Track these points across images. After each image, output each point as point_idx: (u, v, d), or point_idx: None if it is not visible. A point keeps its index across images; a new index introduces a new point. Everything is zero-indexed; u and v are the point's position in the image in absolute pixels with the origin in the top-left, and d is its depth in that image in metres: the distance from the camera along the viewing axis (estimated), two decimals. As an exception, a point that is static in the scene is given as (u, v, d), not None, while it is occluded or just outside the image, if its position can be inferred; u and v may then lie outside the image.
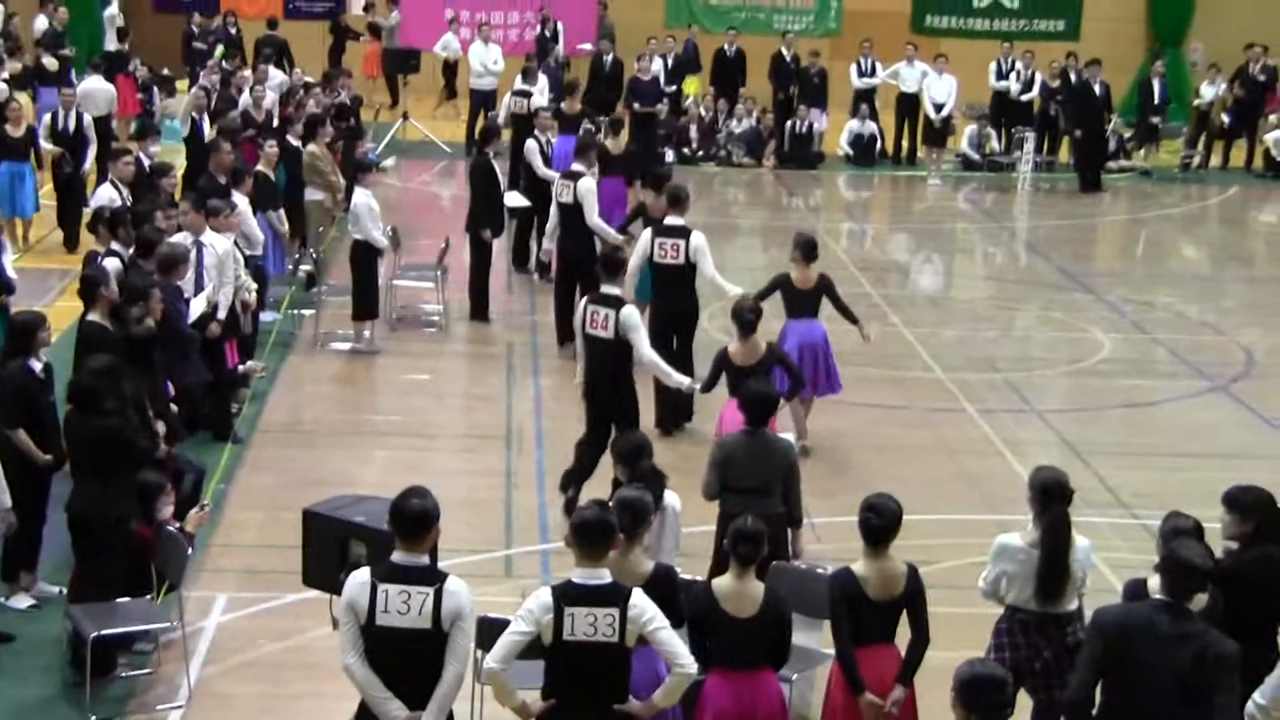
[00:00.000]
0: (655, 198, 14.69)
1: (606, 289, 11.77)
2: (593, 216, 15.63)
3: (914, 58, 27.57)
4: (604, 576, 6.99)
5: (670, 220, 13.91)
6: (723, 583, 7.57)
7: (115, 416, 9.36)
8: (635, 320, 11.59)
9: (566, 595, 6.92)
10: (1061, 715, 7.12)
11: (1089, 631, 6.91)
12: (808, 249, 13.42)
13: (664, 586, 7.47)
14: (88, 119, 19.71)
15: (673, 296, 13.68)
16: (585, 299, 12.10)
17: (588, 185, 15.70)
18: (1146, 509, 12.01)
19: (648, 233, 13.95)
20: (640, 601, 6.94)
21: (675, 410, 13.70)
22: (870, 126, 27.85)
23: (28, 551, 10.29)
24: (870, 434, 14.31)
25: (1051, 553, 7.86)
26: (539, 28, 28.80)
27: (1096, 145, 26.83)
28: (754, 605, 7.50)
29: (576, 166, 15.99)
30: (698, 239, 13.72)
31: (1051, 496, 7.90)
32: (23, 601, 10.22)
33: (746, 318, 11.73)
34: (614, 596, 6.93)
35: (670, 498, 8.72)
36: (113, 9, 27.28)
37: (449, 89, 29.98)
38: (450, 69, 29.50)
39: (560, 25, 29.00)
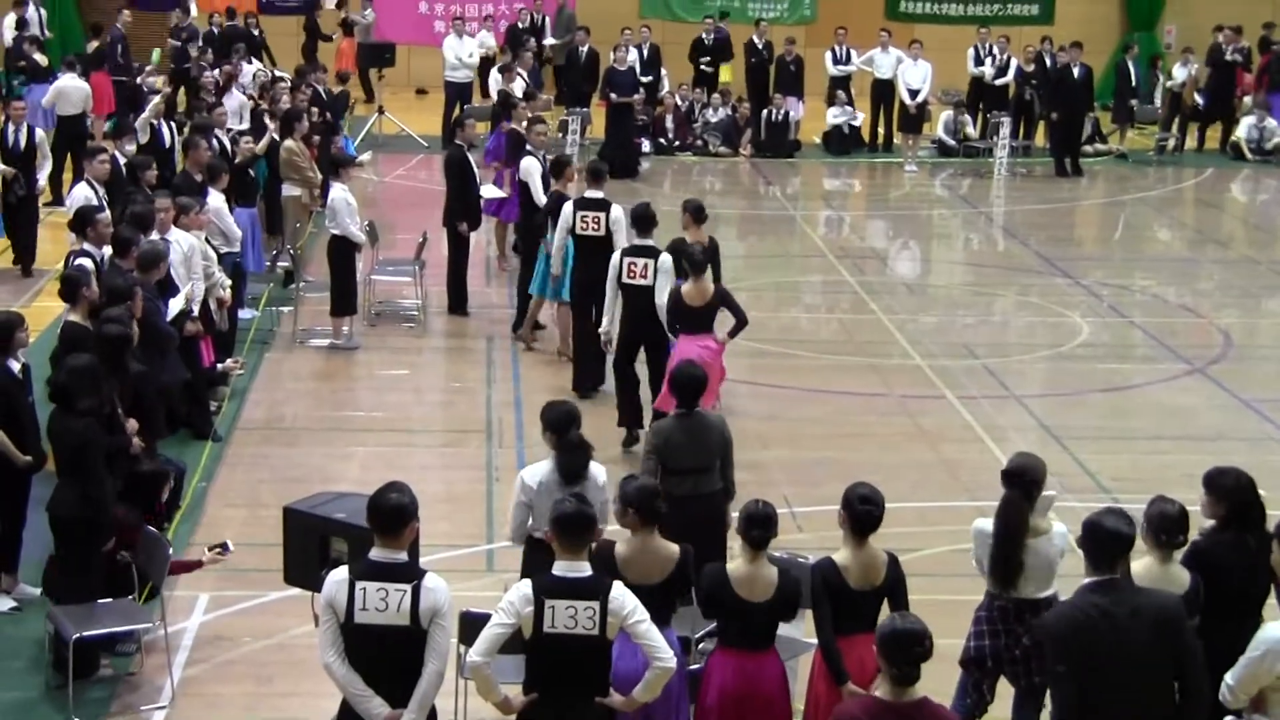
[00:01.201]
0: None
1: (641, 241, 13.21)
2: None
3: (887, 44, 27.59)
4: (584, 570, 7.00)
5: (590, 194, 14.46)
6: (736, 567, 7.61)
7: (88, 417, 9.30)
8: (667, 265, 12.94)
9: (547, 588, 6.92)
10: (1045, 703, 7.13)
11: (1046, 647, 6.84)
12: (697, 212, 14.07)
13: (689, 567, 7.64)
14: (40, 134, 18.28)
15: (594, 266, 13.93)
16: (621, 251, 13.29)
17: (618, 214, 14.51)
18: (1126, 493, 12.04)
19: (569, 206, 14.47)
20: (621, 594, 6.95)
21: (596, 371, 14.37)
22: (857, 115, 27.89)
23: (8, 553, 10.27)
24: (849, 422, 14.33)
25: (1001, 537, 7.92)
26: (528, 18, 28.70)
27: (1076, 130, 26.90)
28: (767, 590, 7.55)
29: (593, 193, 14.69)
30: (616, 212, 14.33)
31: (1010, 481, 7.95)
32: (4, 604, 10.19)
33: (698, 259, 12.49)
34: (595, 589, 6.94)
35: (596, 470, 8.71)
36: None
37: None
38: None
39: (547, 19, 28.96)
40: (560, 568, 6.99)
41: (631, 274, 13.12)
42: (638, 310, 13.10)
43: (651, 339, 13.14)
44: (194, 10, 28.21)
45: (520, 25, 28.53)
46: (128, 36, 25.66)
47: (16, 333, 10.22)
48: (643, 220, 13.43)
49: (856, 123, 28.01)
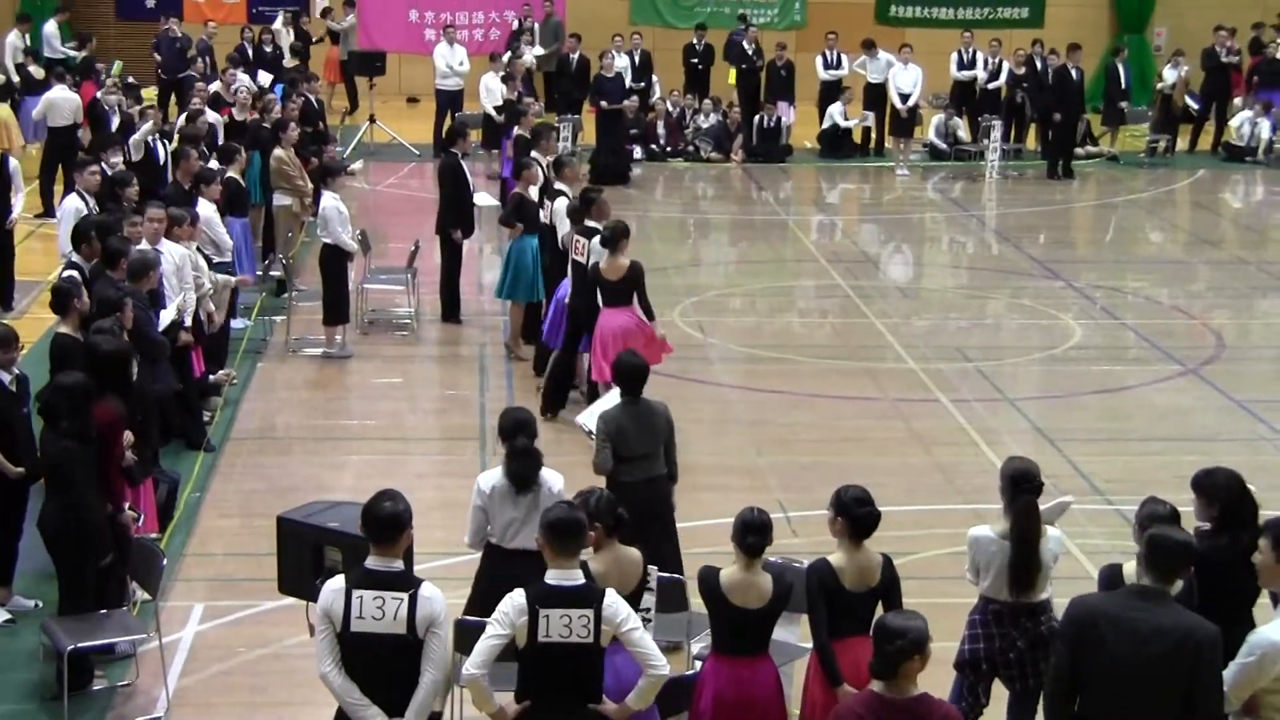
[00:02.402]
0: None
1: (589, 223, 13.93)
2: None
3: (873, 50, 27.59)
4: (577, 577, 7.00)
5: (589, 223, 14.33)
6: (730, 574, 7.60)
7: (69, 437, 9.22)
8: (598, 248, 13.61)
9: (541, 597, 6.92)
10: (1039, 707, 7.13)
11: (1061, 624, 6.91)
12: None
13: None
14: (13, 164, 17.11)
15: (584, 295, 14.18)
16: (572, 228, 14.32)
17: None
18: (1120, 495, 12.06)
19: (569, 226, 14.69)
20: (614, 602, 6.94)
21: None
22: (868, 116, 27.92)
23: (2, 565, 10.25)
24: (843, 426, 14.34)
25: (1021, 543, 7.91)
26: (517, 24, 28.70)
27: (1072, 132, 26.94)
28: (762, 598, 7.56)
29: (590, 223, 14.66)
30: (560, 204, 14.99)
31: (1020, 487, 7.95)
32: (-1, 615, 10.18)
33: (606, 236, 13.36)
34: (589, 597, 6.94)
35: (550, 478, 8.71)
36: (50, 27, 26.94)
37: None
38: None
39: (535, 25, 28.95)
40: (553, 576, 6.98)
41: (577, 251, 14.00)
42: (578, 283, 13.89)
43: (588, 311, 13.70)
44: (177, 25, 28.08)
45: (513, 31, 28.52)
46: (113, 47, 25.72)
47: (9, 347, 10.19)
48: (586, 203, 14.29)
49: (863, 124, 27.97)
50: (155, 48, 27.25)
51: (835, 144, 27.92)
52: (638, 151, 26.79)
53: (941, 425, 14.30)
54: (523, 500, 8.61)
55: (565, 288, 14.37)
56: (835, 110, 27.87)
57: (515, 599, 6.93)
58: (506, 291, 15.87)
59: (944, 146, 27.75)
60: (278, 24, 28.12)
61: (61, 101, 21.60)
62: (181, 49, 26.98)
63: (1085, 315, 18.10)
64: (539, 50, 27.61)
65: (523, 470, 8.61)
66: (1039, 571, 7.96)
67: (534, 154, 16.83)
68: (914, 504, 12.10)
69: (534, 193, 15.85)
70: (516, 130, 19.58)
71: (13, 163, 17.02)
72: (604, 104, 25.73)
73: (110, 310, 10.98)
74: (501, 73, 25.05)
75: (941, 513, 12.03)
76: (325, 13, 29.58)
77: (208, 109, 19.98)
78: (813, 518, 11.10)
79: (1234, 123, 28.45)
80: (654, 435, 9.87)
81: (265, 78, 24.86)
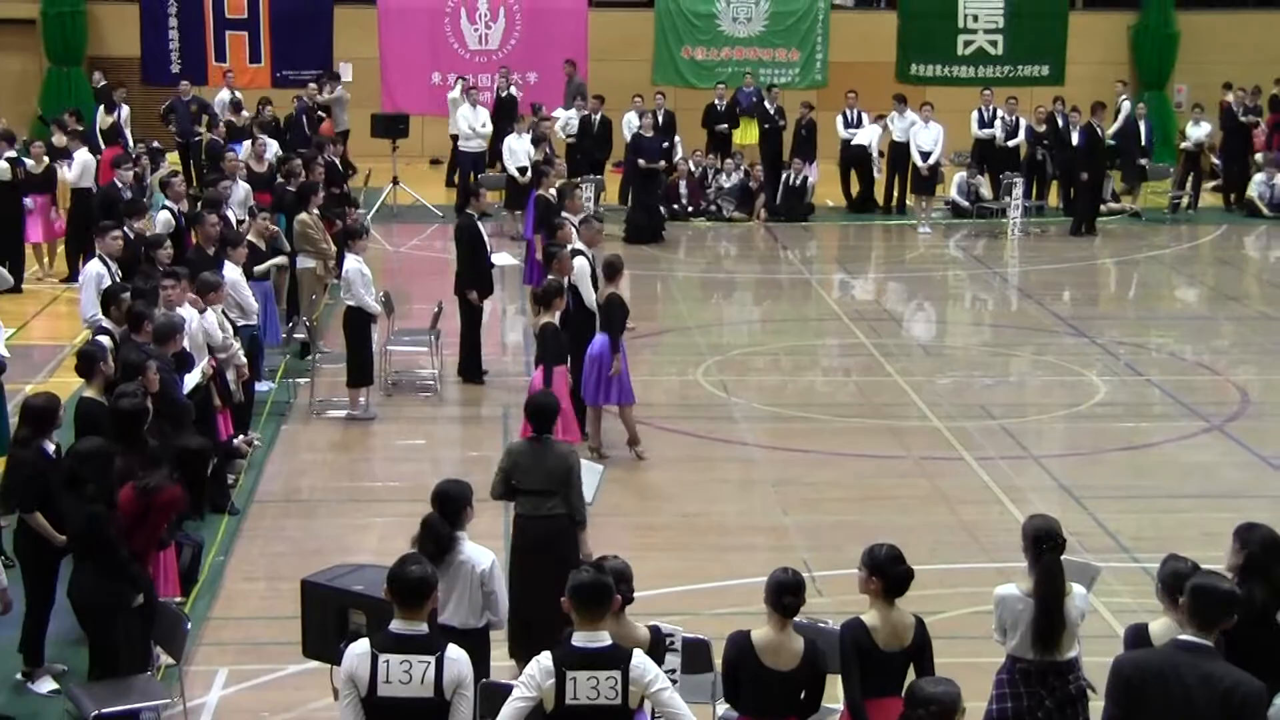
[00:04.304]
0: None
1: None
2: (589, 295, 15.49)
3: (903, 106, 27.71)
4: (604, 639, 6.97)
5: (578, 245, 15.43)
6: (761, 634, 7.57)
7: (96, 502, 9.25)
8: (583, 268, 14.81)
9: (568, 660, 6.90)
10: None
11: (1110, 683, 6.84)
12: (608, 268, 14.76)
13: (660, 649, 7.57)
14: None
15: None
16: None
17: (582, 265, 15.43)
18: (1146, 552, 11.99)
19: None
20: (642, 663, 6.92)
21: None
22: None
23: (36, 645, 10.24)
24: (868, 485, 14.30)
25: (1045, 601, 7.87)
26: (506, 88, 28.87)
27: (1098, 190, 26.98)
28: (793, 659, 7.53)
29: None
30: (580, 264, 15.17)
31: (1043, 545, 7.92)
32: (45, 685, 10.12)
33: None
34: (615, 659, 6.91)
35: (475, 554, 8.67)
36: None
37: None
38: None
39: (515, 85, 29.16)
40: (580, 638, 6.96)
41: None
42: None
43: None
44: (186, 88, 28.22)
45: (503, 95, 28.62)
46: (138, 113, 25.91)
47: (56, 415, 10.31)
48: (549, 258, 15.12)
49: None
50: (169, 111, 27.33)
51: (863, 202, 28.05)
52: (661, 211, 26.85)
53: (966, 483, 14.26)
54: (441, 573, 8.24)
55: (599, 344, 14.47)
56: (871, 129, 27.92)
57: (542, 661, 6.91)
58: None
59: (966, 204, 27.77)
60: (223, 94, 27.65)
61: (89, 165, 21.81)
62: (197, 112, 27.15)
63: (1109, 371, 18.06)
64: (572, 114, 27.72)
65: (423, 544, 8.44)
66: (1064, 630, 7.91)
67: (564, 214, 16.90)
68: (939, 563, 12.05)
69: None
70: (538, 191, 19.67)
71: None
72: (642, 162, 25.83)
73: (134, 374, 11.03)
74: (528, 134, 25.16)
75: (967, 571, 11.98)
76: (321, 86, 29.08)
77: (237, 178, 20.09)
78: (838, 577, 11.07)
79: (1253, 183, 28.40)
80: (549, 475, 10.10)
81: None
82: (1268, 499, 13.68)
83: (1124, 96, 29.40)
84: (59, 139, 23.46)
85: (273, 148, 23.12)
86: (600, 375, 14.38)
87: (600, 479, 11.55)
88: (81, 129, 24.20)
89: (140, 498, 9.54)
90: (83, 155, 21.99)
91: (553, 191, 19.05)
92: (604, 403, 14.60)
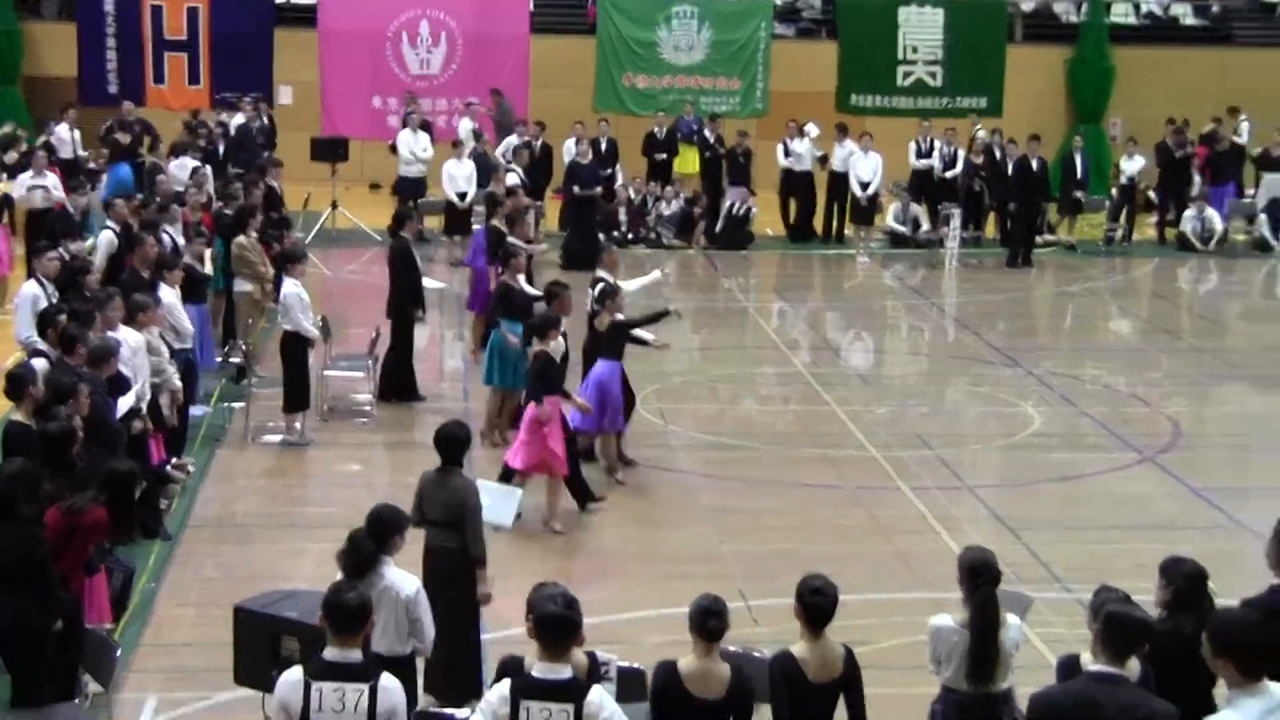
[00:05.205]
0: None
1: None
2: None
3: (843, 136, 27.87)
4: (564, 672, 6.93)
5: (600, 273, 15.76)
6: (688, 663, 7.52)
7: (30, 524, 9.15)
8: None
9: (525, 689, 6.87)
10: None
11: None
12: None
13: (595, 676, 7.53)
14: None
15: None
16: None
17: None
18: (1080, 583, 12.04)
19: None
20: (599, 698, 6.88)
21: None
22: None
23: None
24: (805, 514, 14.32)
25: (981, 633, 7.90)
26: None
27: (1032, 221, 27.21)
28: (720, 687, 7.46)
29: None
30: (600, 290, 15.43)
31: (979, 577, 7.95)
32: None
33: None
34: (572, 692, 6.88)
35: (399, 580, 8.59)
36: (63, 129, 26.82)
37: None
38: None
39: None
40: (540, 669, 6.94)
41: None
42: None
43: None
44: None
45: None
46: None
47: None
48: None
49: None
50: (109, 131, 27.09)
51: (802, 228, 28.19)
52: (600, 237, 26.85)
53: (902, 513, 14.31)
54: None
55: (606, 370, 14.62)
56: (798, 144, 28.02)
57: (500, 689, 6.89)
58: (496, 379, 15.94)
59: (904, 230, 27.89)
60: (61, 127, 26.84)
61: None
62: (140, 134, 26.97)
63: (1044, 402, 18.18)
64: (513, 140, 27.73)
65: (345, 556, 8.37)
66: (999, 662, 7.94)
67: (512, 240, 16.88)
68: (875, 592, 12.08)
69: (521, 280, 15.98)
70: (494, 221, 19.35)
71: None
72: (576, 190, 25.87)
73: (64, 397, 10.91)
74: (468, 159, 25.18)
75: (903, 601, 12.01)
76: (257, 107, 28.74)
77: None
78: (775, 606, 11.07)
79: (1185, 217, 28.68)
80: (447, 508, 10.11)
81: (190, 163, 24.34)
82: (1199, 530, 13.82)
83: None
84: (10, 156, 23.30)
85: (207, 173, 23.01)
86: (605, 402, 14.47)
87: (516, 503, 11.51)
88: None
89: (65, 519, 9.43)
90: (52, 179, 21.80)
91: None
92: (608, 429, 14.79)
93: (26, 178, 21.87)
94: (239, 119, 27.41)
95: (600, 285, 15.42)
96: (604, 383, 14.55)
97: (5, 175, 24.21)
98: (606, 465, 14.93)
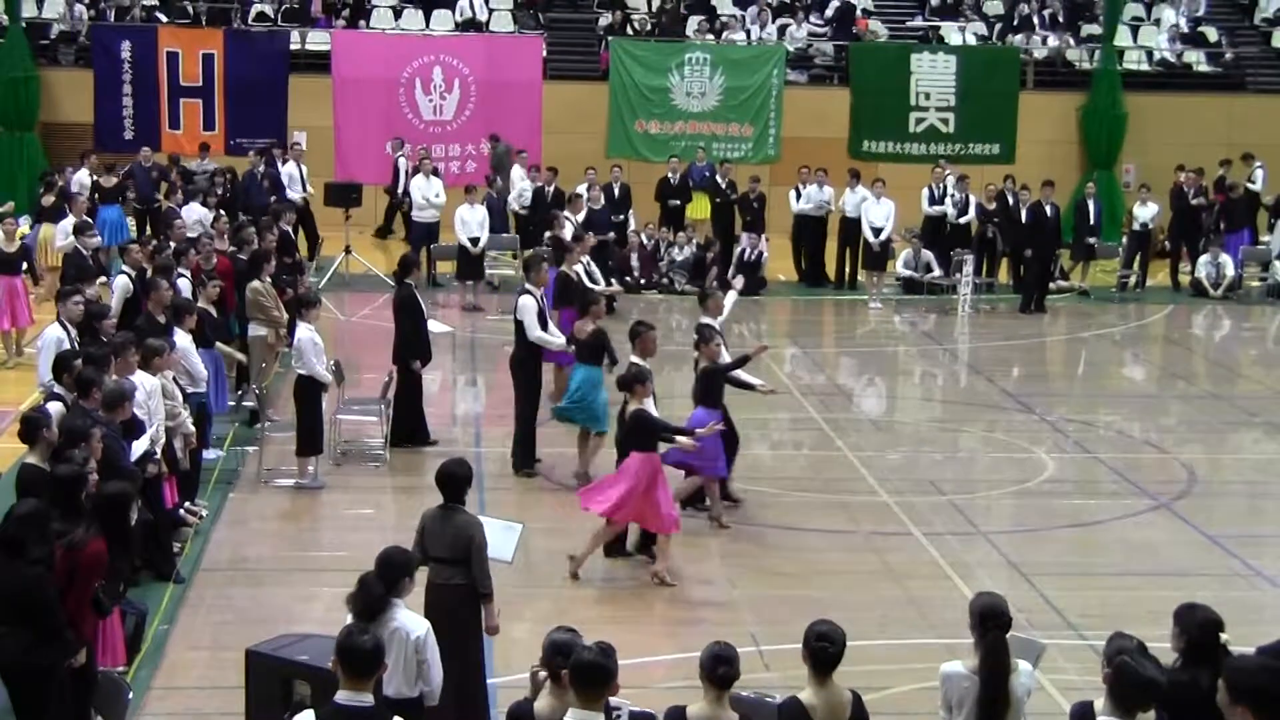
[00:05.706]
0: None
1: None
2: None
3: (855, 182, 27.95)
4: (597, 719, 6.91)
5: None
6: (697, 709, 7.48)
7: (39, 565, 9.14)
8: (525, 305, 15.88)
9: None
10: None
11: None
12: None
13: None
14: None
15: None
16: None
17: (526, 303, 16.26)
18: (1093, 629, 12.00)
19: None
20: None
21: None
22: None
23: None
24: (817, 559, 14.30)
25: (990, 679, 7.87)
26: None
27: (1045, 267, 27.22)
28: None
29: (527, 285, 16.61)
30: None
31: (989, 623, 7.93)
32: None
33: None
34: None
35: (408, 622, 8.62)
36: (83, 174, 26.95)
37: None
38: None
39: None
40: (572, 715, 6.92)
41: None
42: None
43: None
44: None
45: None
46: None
47: None
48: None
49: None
50: (127, 176, 27.26)
51: (813, 274, 28.23)
52: (613, 283, 26.90)
53: (914, 558, 14.28)
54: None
55: (697, 417, 14.60)
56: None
57: None
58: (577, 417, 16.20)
59: (916, 275, 27.92)
60: (81, 173, 26.93)
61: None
62: (158, 179, 27.13)
63: (1058, 449, 18.15)
64: (527, 185, 27.83)
65: (355, 599, 8.45)
66: (1009, 708, 7.90)
67: (528, 285, 16.77)
68: (887, 638, 12.05)
69: (581, 271, 17.32)
70: (562, 268, 19.18)
71: None
72: (591, 235, 25.92)
73: (77, 440, 10.94)
74: (481, 204, 25.31)
75: (915, 647, 11.97)
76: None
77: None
78: (786, 651, 11.04)
79: (1199, 263, 28.70)
80: (452, 545, 10.15)
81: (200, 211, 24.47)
82: (1214, 577, 13.76)
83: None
84: (47, 199, 23.41)
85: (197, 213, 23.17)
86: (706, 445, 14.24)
87: (518, 537, 11.54)
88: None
89: (66, 557, 9.42)
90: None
91: (578, 269, 19.21)
92: (708, 474, 14.73)
93: (69, 223, 21.88)
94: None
95: (699, 329, 15.43)
96: (696, 429, 14.27)
97: (42, 220, 24.36)
98: (710, 513, 14.89)
